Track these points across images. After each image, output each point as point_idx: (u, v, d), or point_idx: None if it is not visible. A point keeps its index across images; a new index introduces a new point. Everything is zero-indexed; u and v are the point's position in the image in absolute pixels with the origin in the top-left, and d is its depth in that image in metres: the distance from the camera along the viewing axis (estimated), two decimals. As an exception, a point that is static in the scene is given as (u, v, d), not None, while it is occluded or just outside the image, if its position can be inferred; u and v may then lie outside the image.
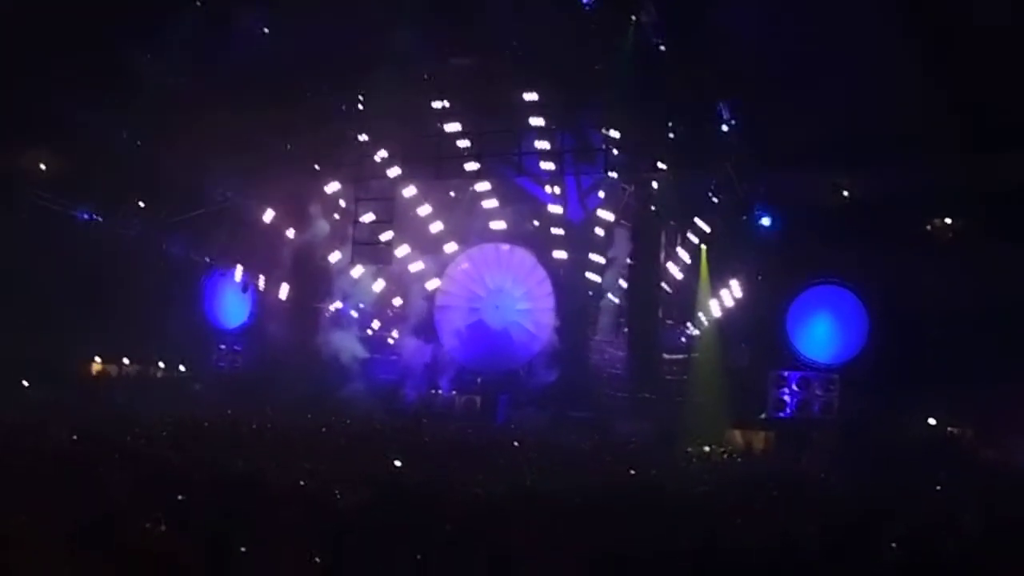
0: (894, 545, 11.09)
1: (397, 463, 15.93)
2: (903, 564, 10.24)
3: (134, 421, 20.52)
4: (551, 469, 17.15)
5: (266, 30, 29.70)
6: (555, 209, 33.54)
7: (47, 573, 8.32)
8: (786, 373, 28.49)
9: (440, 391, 30.84)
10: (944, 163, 25.87)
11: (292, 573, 8.63)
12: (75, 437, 17.34)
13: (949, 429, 26.42)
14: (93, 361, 35.25)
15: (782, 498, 14.50)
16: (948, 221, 28.39)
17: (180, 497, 11.52)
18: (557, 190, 33.39)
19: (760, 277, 29.05)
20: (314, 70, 30.77)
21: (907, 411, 25.95)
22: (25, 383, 28.59)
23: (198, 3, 28.51)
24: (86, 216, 33.03)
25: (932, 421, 26.58)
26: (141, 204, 34.35)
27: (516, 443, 21.36)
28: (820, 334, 28.31)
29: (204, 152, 32.56)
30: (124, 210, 33.85)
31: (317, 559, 9.33)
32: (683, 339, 31.84)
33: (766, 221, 28.29)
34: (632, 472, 17.14)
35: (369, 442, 19.39)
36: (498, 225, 34.46)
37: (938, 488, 16.60)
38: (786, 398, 28.43)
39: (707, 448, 25.45)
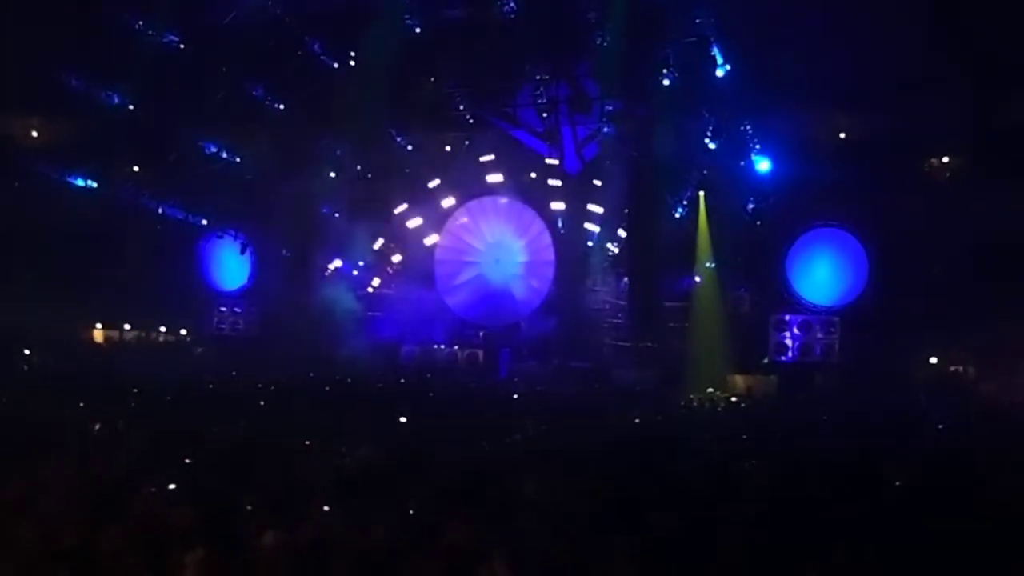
0: (898, 484, 11.14)
1: (402, 419, 15.97)
2: (907, 501, 10.29)
3: (137, 386, 20.53)
4: (554, 420, 17.16)
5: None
6: (552, 160, 33.42)
7: (55, 539, 8.35)
8: (787, 317, 28.56)
9: (442, 346, 30.85)
10: (941, 102, 25.75)
11: (299, 531, 8.65)
12: (80, 404, 17.39)
13: (951, 367, 26.52)
14: (94, 327, 35.32)
15: (787, 441, 14.56)
16: (945, 160, 28.27)
17: (186, 460, 11.58)
18: (552, 141, 33.23)
19: (759, 222, 28.94)
20: (305, 23, 30.62)
21: (909, 351, 26.03)
22: (27, 351, 28.61)
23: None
24: (81, 182, 32.84)
25: (934, 360, 26.66)
26: (136, 168, 34.21)
27: (515, 396, 21.37)
28: (820, 277, 28.36)
29: (198, 112, 32.54)
30: (119, 174, 33.69)
31: (325, 515, 9.38)
32: (683, 286, 31.78)
33: (764, 165, 28.12)
34: (636, 421, 17.16)
35: (372, 400, 19.42)
36: (495, 178, 34.32)
37: (940, 427, 16.66)
38: (788, 342, 28.53)
39: (712, 391, 25.58)
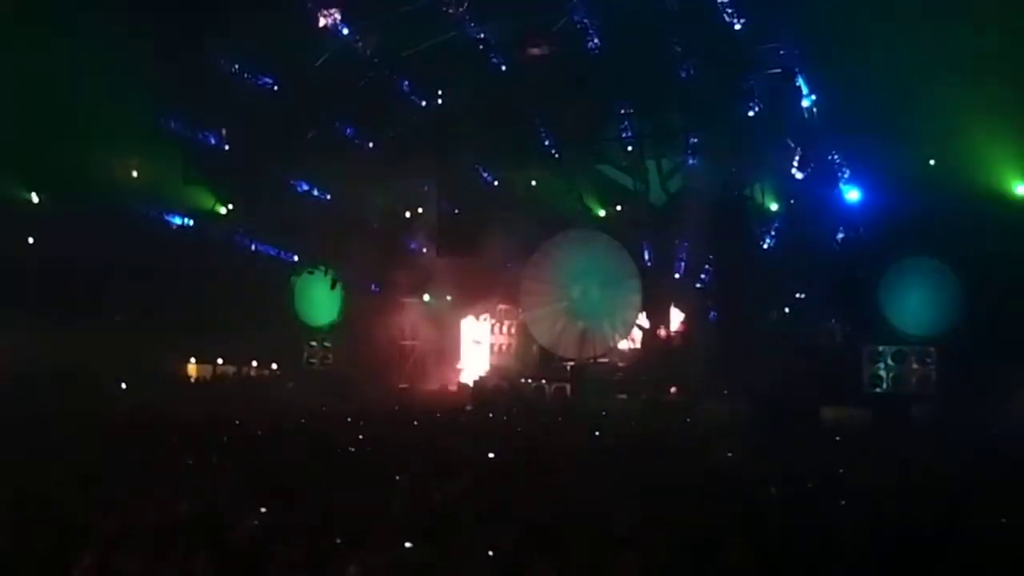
0: (1004, 520, 10.81)
1: (491, 455, 15.98)
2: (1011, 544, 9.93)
3: (229, 421, 20.94)
4: (644, 455, 17.05)
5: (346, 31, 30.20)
6: (637, 194, 33.43)
7: (151, 569, 8.55)
8: (881, 347, 28.00)
9: (530, 380, 30.87)
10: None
11: (386, 566, 8.74)
12: (174, 439, 17.78)
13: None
14: (188, 362, 36.17)
15: (883, 476, 14.21)
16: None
17: (277, 495, 11.75)
18: (637, 174, 33.23)
19: (849, 253, 28.51)
20: (394, 62, 31.24)
21: (1010, 382, 25.29)
22: (123, 385, 29.38)
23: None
24: (177, 220, 33.84)
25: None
26: (230, 206, 35.13)
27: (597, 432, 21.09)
28: (914, 307, 27.73)
29: (290, 151, 33.39)
30: (213, 214, 34.62)
31: (413, 551, 9.44)
32: (773, 317, 31.37)
33: (853, 195, 27.75)
34: (729, 455, 16.91)
35: (459, 434, 19.46)
36: (581, 211, 34.48)
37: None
38: (882, 373, 27.96)
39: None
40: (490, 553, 9.34)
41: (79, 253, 30.45)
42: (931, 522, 10.49)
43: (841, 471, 14.79)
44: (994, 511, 10.96)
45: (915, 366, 27.73)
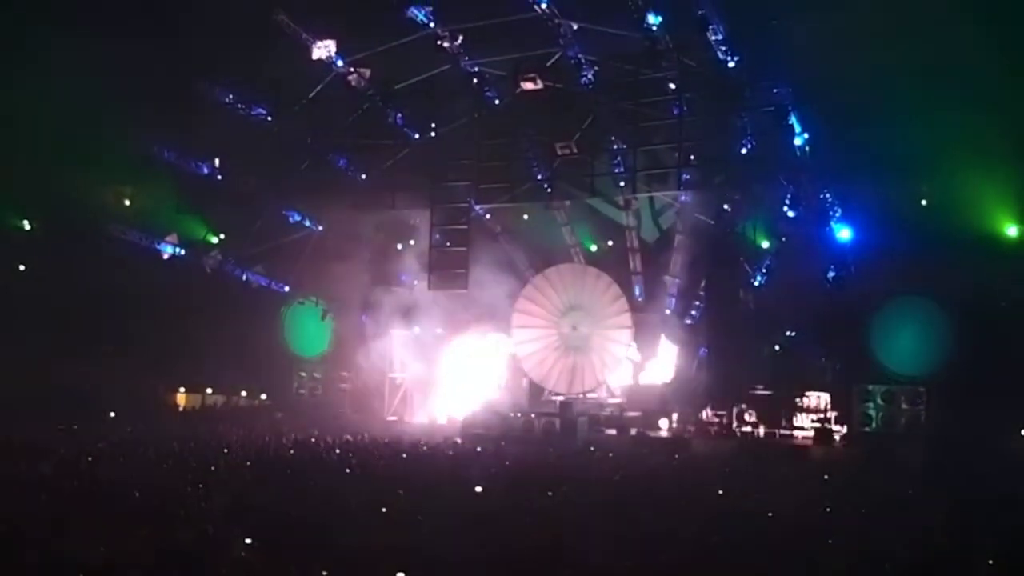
0: (991, 563, 10.77)
1: (478, 489, 15.88)
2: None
3: (218, 450, 20.84)
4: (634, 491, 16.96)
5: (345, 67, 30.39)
6: (629, 229, 33.55)
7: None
8: (871, 387, 27.97)
9: (519, 414, 30.74)
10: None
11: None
12: (164, 466, 17.68)
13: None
14: (177, 392, 36.03)
15: (870, 517, 14.18)
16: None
17: (266, 524, 11.67)
18: (630, 211, 33.36)
19: (840, 291, 28.55)
20: (388, 96, 31.39)
21: (999, 423, 25.27)
22: (112, 414, 29.22)
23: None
24: (169, 249, 33.77)
25: (1024, 433, 25.89)
26: (222, 236, 35.11)
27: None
28: (905, 346, 27.72)
29: (283, 182, 33.46)
30: (205, 243, 34.58)
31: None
32: (764, 354, 31.35)
33: (845, 233, 27.84)
34: (720, 493, 16.83)
35: (447, 470, 19.36)
36: (573, 245, 34.64)
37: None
38: (871, 412, 27.92)
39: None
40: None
41: (70, 281, 30.33)
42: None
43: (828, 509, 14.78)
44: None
45: (904, 406, 27.70)
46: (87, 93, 26.86)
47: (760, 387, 29.35)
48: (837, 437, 27.29)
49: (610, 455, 23.62)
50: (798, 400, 28.70)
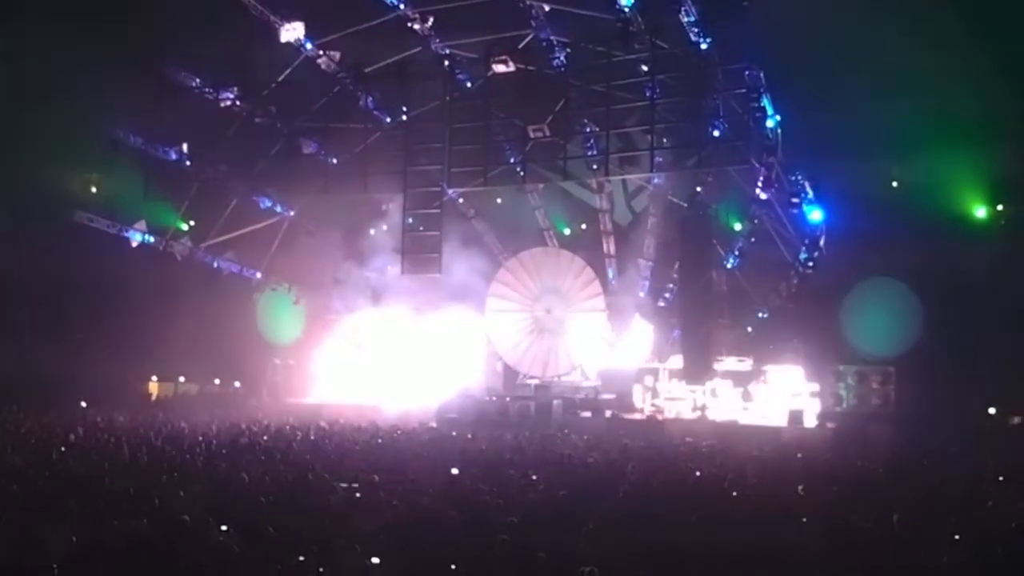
0: (957, 537, 10.85)
1: (454, 471, 15.86)
2: (966, 561, 9.96)
3: (192, 438, 20.72)
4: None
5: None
6: (602, 212, 33.61)
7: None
8: (842, 367, 28.21)
9: (494, 397, 30.75)
10: (998, 151, 25.48)
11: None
12: (136, 455, 17.53)
13: (1014, 419, 25.95)
14: (149, 380, 35.78)
15: (842, 495, 14.25)
16: (1000, 208, 27.97)
17: (241, 511, 11.60)
18: (604, 193, 33.41)
19: (811, 273, 28.72)
20: (358, 79, 31.20)
21: (967, 401, 25.53)
22: (83, 404, 28.97)
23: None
24: (138, 236, 33.40)
25: (992, 411, 26.15)
26: (192, 223, 34.80)
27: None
28: (875, 327, 27.91)
29: (253, 167, 33.20)
30: (175, 230, 34.25)
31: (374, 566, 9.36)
32: (739, 338, 31.52)
33: (816, 215, 27.94)
34: (698, 473, 16.88)
35: (422, 454, 19.31)
36: (546, 229, 34.67)
37: (1000, 479, 16.20)
38: (843, 392, 28.16)
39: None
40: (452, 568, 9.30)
41: (38, 270, 29.96)
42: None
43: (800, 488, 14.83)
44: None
45: (875, 386, 27.95)
46: (50, 78, 26.50)
47: (732, 364, 29.65)
48: (809, 416, 27.50)
49: (585, 438, 23.62)
50: (770, 379, 28.94)
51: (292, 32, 29.44)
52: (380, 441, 21.56)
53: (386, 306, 35.40)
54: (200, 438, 20.80)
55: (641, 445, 21.66)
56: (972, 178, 27.27)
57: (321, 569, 9.29)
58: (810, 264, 28.69)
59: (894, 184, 27.90)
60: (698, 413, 29.02)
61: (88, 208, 32.36)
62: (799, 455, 20.31)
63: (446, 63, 30.82)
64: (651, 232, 33.51)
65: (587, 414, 29.59)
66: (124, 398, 30.90)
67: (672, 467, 17.53)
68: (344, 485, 13.90)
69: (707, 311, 29.85)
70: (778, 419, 27.37)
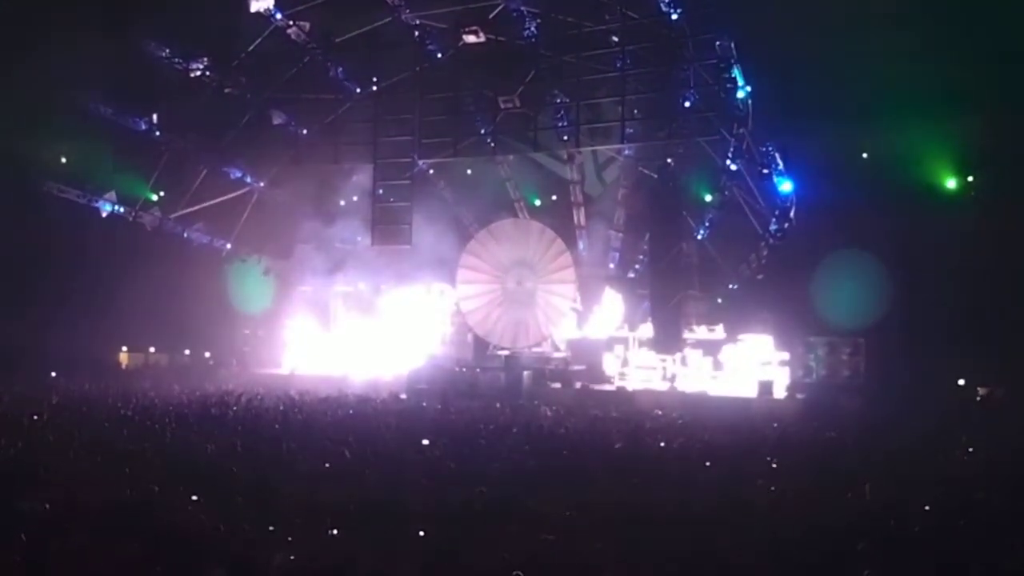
0: (927, 508, 11.00)
1: (424, 441, 15.92)
2: (933, 529, 10.11)
3: (162, 408, 20.67)
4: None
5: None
6: (572, 183, 33.62)
7: (85, 557, 8.40)
8: (812, 338, 28.42)
9: (464, 369, 30.79)
10: (968, 122, 25.58)
11: (320, 549, 8.70)
12: (106, 424, 17.50)
13: (978, 389, 26.23)
14: (120, 350, 35.63)
15: (808, 466, 14.39)
16: (970, 179, 28.15)
17: (210, 482, 11.63)
18: (574, 164, 33.39)
19: (781, 244, 28.85)
20: (328, 49, 31.01)
21: (935, 373, 25.77)
22: (53, 374, 28.82)
23: None
24: (108, 207, 33.09)
25: (961, 382, 26.43)
26: (161, 193, 34.54)
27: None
28: (845, 299, 28.07)
29: (222, 138, 32.97)
30: (144, 201, 33.99)
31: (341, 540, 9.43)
32: (710, 309, 31.66)
33: (786, 186, 28.03)
34: (662, 444, 17.00)
35: (393, 425, 19.35)
36: (516, 200, 34.64)
37: (970, 450, 16.41)
38: (812, 363, 28.39)
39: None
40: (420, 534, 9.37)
41: (6, 240, 29.66)
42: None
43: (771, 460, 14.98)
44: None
45: (845, 357, 28.19)
46: (18, 48, 26.16)
47: (703, 334, 29.87)
48: (779, 387, 27.73)
49: (555, 408, 23.71)
50: (740, 348, 29.15)
51: (262, 2, 29.17)
52: (351, 412, 21.59)
53: (355, 277, 35.33)
54: (170, 407, 20.78)
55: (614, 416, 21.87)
56: (942, 149, 27.38)
57: (290, 539, 9.34)
58: (780, 235, 28.81)
59: (864, 155, 27.98)
60: (667, 384, 29.24)
61: (58, 178, 32.06)
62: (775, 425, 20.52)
63: (416, 33, 30.70)
64: (622, 203, 33.56)
65: (557, 385, 29.71)
66: (95, 368, 30.73)
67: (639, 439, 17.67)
68: (315, 456, 13.96)
69: (677, 282, 29.94)
70: (748, 390, 27.54)
